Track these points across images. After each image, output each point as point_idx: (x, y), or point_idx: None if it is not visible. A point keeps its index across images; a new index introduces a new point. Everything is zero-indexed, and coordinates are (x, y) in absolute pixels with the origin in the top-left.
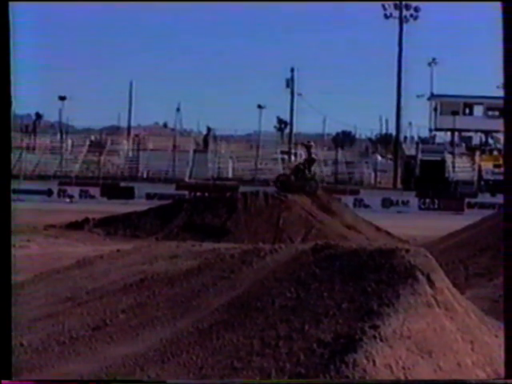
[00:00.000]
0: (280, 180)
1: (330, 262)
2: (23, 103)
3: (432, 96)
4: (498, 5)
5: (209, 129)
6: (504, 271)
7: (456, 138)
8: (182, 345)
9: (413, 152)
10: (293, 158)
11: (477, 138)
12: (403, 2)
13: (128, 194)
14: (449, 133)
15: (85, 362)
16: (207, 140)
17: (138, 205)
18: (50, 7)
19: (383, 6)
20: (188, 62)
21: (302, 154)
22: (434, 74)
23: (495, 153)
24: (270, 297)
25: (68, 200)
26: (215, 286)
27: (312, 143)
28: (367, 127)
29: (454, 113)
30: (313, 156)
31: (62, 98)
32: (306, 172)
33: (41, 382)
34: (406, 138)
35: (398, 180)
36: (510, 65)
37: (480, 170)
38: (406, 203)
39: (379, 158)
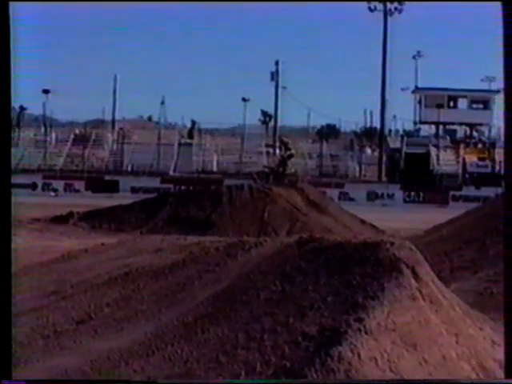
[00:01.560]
0: (259, 176)
1: (315, 255)
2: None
3: (416, 89)
4: (498, 5)
5: (193, 122)
6: (504, 270)
7: (440, 131)
8: (166, 338)
9: (397, 145)
10: (277, 151)
11: (461, 131)
12: None
13: (113, 187)
14: (433, 126)
15: (69, 356)
16: (192, 133)
17: (123, 198)
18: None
19: None
20: (172, 55)
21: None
22: (419, 67)
23: (480, 146)
24: (255, 290)
25: (52, 194)
26: (200, 279)
27: (287, 140)
28: (352, 120)
29: (439, 106)
30: (292, 151)
31: (46, 91)
32: (287, 168)
33: (40, 381)
34: (390, 131)
35: (383, 173)
36: (510, 64)
37: (464, 163)
38: (390, 196)
39: (369, 151)
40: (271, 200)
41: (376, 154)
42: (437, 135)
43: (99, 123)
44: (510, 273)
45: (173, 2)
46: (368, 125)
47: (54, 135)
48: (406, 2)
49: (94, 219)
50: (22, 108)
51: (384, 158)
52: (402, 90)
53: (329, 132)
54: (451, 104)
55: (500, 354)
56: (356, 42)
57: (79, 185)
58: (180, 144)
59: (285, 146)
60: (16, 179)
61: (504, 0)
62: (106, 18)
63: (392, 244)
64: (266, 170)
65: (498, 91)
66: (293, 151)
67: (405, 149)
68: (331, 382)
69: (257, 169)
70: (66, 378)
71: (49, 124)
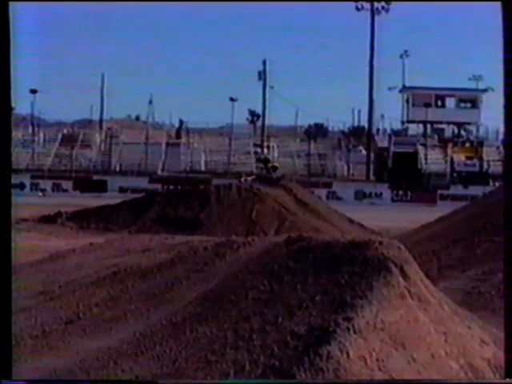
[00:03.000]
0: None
1: (304, 255)
2: None
3: (404, 88)
4: (492, 4)
5: (181, 121)
6: (504, 270)
7: (428, 130)
8: (155, 338)
9: (385, 144)
10: (265, 150)
11: (449, 130)
12: None
13: (101, 187)
14: (421, 125)
15: (58, 356)
16: (180, 133)
17: (111, 198)
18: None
19: None
20: (160, 54)
21: (274, 146)
22: (406, 66)
23: (467, 145)
24: (244, 289)
25: (40, 193)
26: (188, 278)
27: (267, 155)
28: (340, 119)
29: (426, 105)
30: (275, 164)
31: (34, 91)
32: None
33: (40, 381)
34: (378, 130)
35: (371, 172)
36: (510, 64)
37: (452, 162)
38: (378, 195)
39: (363, 150)
40: (259, 199)
41: (365, 152)
42: (425, 134)
43: (87, 123)
44: (510, 272)
45: (160, 1)
46: (356, 124)
47: (41, 135)
48: (393, 1)
49: (82, 219)
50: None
51: (372, 157)
52: (390, 89)
53: (317, 131)
54: (439, 103)
55: (488, 353)
56: (343, 41)
57: (67, 185)
58: (168, 144)
59: (265, 161)
60: None
61: (504, 0)
62: (93, 17)
63: (380, 243)
64: (254, 177)
65: (485, 90)
66: (276, 164)
67: (393, 148)
68: (331, 381)
69: (245, 168)
70: (66, 378)
71: (37, 124)
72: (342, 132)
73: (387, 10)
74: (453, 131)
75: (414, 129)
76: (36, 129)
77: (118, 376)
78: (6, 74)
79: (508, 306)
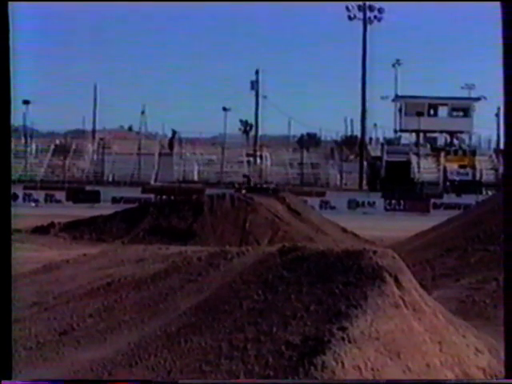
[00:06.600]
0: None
1: (298, 264)
2: None
3: (396, 97)
4: (498, 5)
5: (174, 132)
6: (504, 273)
7: (421, 139)
8: (149, 348)
9: (378, 153)
10: (258, 160)
11: (442, 139)
12: (367, 3)
13: (94, 197)
14: (414, 134)
15: (52, 367)
16: (172, 143)
17: (104, 208)
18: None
19: (347, 7)
20: (152, 64)
21: (267, 156)
22: (399, 75)
23: (460, 153)
24: (238, 299)
25: (33, 204)
26: (183, 289)
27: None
28: (332, 129)
29: (419, 114)
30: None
31: (26, 102)
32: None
33: (40, 382)
34: (371, 139)
35: (364, 181)
36: (510, 65)
37: (445, 171)
38: (371, 204)
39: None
40: (253, 209)
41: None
42: (417, 143)
43: (80, 133)
44: (509, 274)
45: (153, 1)
46: (349, 133)
47: (34, 146)
48: (385, 10)
49: (76, 230)
50: None
51: (365, 167)
52: (382, 98)
53: (309, 141)
54: (431, 112)
55: (483, 362)
56: (336, 51)
57: (60, 195)
58: (161, 154)
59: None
60: None
61: (504, 0)
62: (84, 27)
63: (374, 252)
64: (249, 184)
65: (478, 99)
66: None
67: (385, 157)
68: (328, 380)
69: (237, 178)
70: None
71: (29, 135)
72: (335, 141)
73: (379, 20)
74: (445, 140)
75: (407, 138)
76: (28, 140)
77: None
78: (6, 77)
79: (508, 305)
